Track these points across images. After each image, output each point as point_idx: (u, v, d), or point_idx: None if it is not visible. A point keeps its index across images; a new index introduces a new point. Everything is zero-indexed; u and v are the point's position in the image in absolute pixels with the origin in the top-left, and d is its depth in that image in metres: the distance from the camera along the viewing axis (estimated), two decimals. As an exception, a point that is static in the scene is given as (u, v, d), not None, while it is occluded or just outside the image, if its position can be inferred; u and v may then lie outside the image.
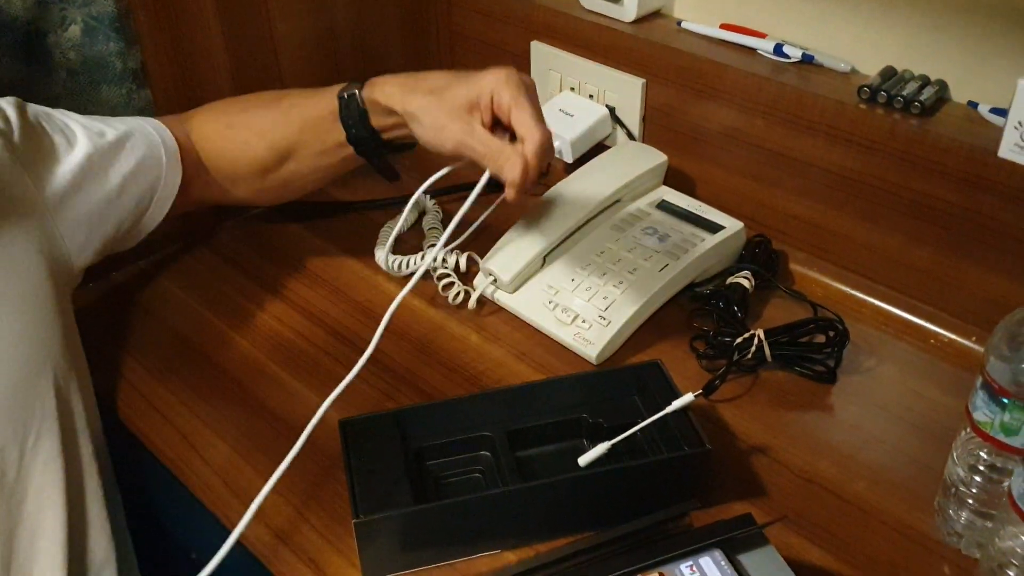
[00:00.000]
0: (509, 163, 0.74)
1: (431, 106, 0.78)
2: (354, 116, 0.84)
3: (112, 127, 0.83)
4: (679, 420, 0.71)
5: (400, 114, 0.81)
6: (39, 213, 0.75)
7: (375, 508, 0.65)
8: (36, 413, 0.72)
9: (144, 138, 0.85)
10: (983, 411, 0.62)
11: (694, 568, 0.57)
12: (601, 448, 0.68)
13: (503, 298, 0.92)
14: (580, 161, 1.02)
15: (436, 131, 0.78)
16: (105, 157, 0.81)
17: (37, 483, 0.72)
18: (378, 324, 0.77)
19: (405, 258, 0.97)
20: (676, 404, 0.70)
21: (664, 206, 0.96)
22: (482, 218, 0.97)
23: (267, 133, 0.88)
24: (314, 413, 0.80)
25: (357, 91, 0.84)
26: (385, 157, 0.89)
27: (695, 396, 0.70)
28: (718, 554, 0.57)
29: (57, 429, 0.74)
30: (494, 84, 0.76)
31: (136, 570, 0.84)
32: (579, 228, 0.93)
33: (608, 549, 0.62)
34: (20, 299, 0.72)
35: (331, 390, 0.73)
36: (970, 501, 0.66)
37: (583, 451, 0.69)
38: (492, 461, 0.73)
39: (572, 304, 0.87)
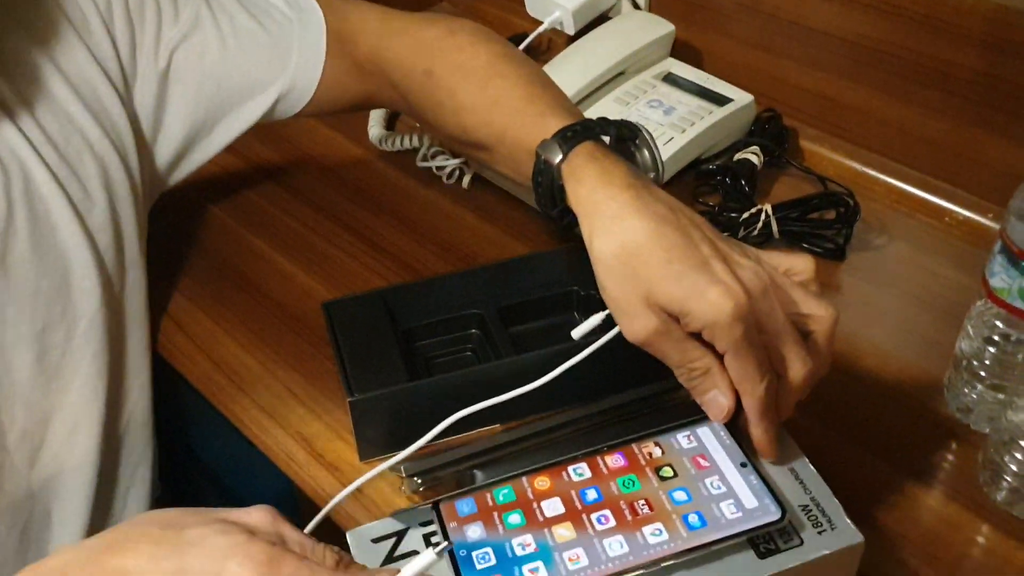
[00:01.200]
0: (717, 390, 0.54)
1: (620, 274, 0.54)
2: (547, 187, 0.61)
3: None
4: None
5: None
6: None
7: (369, 387, 0.63)
8: (86, 296, 0.66)
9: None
10: (1001, 276, 0.59)
11: (691, 438, 0.55)
12: (595, 319, 0.64)
13: (498, 175, 0.88)
14: (582, 33, 0.96)
15: (620, 308, 0.55)
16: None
17: (84, 373, 0.67)
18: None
19: (398, 135, 0.93)
20: None
21: (671, 79, 0.92)
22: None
23: (464, 116, 0.69)
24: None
25: (557, 162, 0.59)
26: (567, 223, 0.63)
27: None
28: (717, 424, 0.55)
29: (104, 320, 0.67)
30: (714, 319, 0.51)
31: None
32: (581, 101, 0.89)
33: (602, 419, 0.60)
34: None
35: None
36: (982, 374, 0.64)
37: (576, 325, 0.66)
38: (483, 339, 0.70)
39: (571, 179, 0.84)
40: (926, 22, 0.80)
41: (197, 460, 0.96)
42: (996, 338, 0.63)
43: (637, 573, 0.47)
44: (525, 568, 0.48)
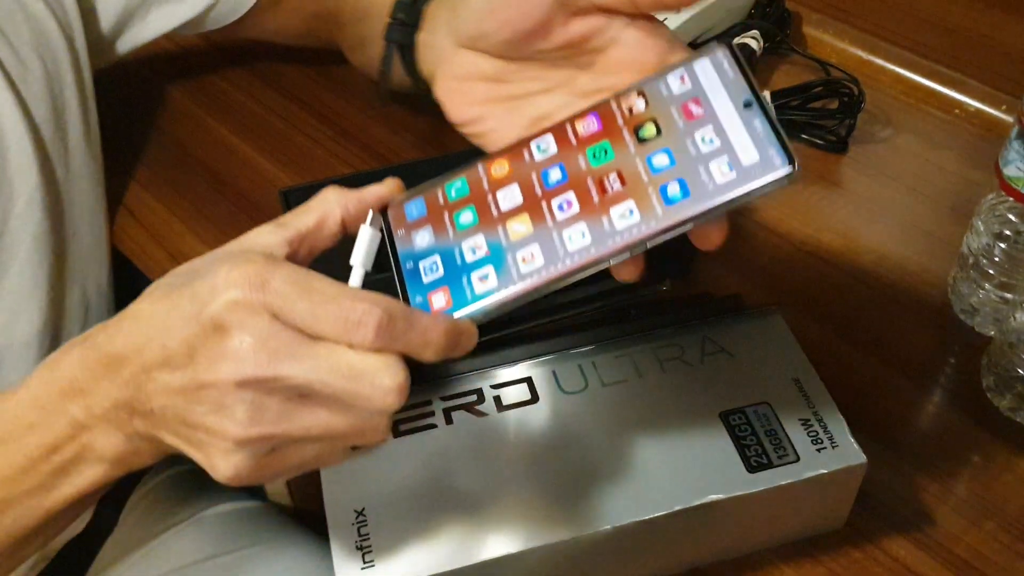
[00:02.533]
0: None
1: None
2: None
3: None
4: None
5: None
6: None
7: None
8: (22, 173, 0.61)
9: None
10: (1017, 165, 0.54)
11: (686, 79, 0.41)
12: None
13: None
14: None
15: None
16: None
17: (22, 259, 0.62)
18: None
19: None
20: None
21: (664, -44, 0.85)
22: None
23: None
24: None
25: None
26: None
27: None
28: (723, 52, 0.42)
29: (45, 202, 0.63)
30: None
31: None
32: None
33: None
34: None
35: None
36: (990, 272, 0.59)
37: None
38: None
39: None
40: None
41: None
42: (1007, 233, 0.58)
43: (601, 266, 0.40)
44: (474, 276, 0.41)
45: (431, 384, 0.51)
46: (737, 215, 0.70)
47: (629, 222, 0.40)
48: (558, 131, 0.43)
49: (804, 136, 0.75)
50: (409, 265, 0.42)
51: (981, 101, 0.77)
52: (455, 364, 0.52)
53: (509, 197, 0.42)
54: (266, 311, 0.36)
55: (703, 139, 0.40)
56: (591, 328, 0.55)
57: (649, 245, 0.40)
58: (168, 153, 0.77)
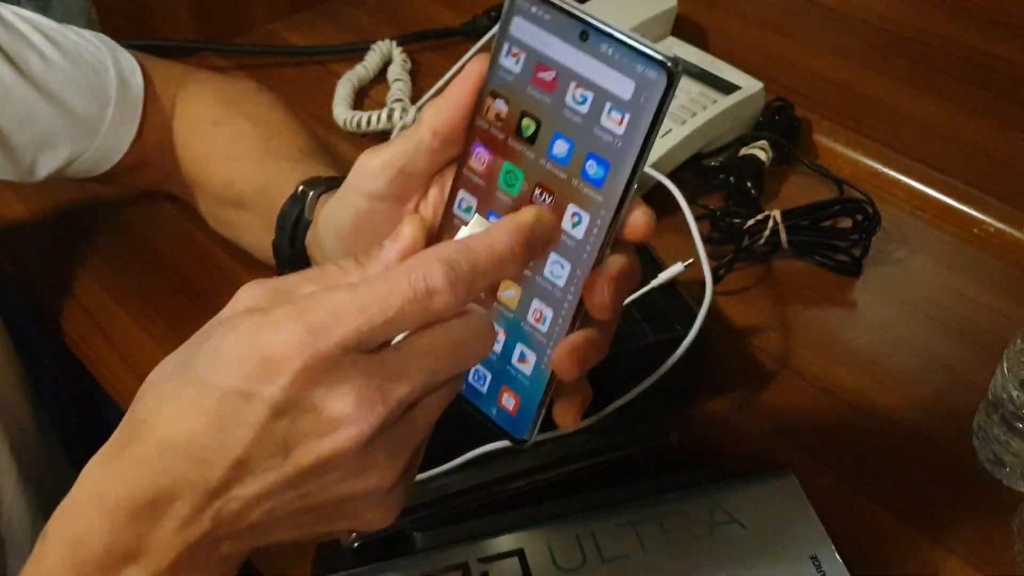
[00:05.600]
0: None
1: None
2: (290, 216, 0.59)
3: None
4: (669, 298, 0.59)
5: None
6: None
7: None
8: None
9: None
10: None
11: (516, 52, 0.38)
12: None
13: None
14: (574, 5, 0.87)
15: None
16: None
17: None
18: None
19: (366, 114, 0.83)
20: (663, 276, 0.58)
21: (670, 61, 0.82)
22: (456, 68, 0.83)
23: (237, 166, 0.65)
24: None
25: (312, 192, 0.58)
26: None
27: (684, 266, 0.59)
28: (520, 3, 0.37)
29: None
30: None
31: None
32: (568, 84, 0.79)
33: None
34: None
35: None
36: (1021, 426, 0.55)
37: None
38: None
39: (556, 174, 0.74)
40: (961, 6, 0.72)
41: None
42: (1041, 385, 0.54)
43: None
44: (515, 362, 0.39)
45: (411, 558, 0.47)
46: (743, 343, 0.66)
47: (584, 225, 0.37)
48: (464, 183, 0.40)
49: (816, 257, 0.72)
50: None
51: (1002, 220, 0.74)
52: (438, 531, 0.48)
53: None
54: (338, 352, 0.33)
55: (576, 100, 0.36)
56: (590, 488, 0.50)
57: (616, 234, 0.37)
58: (142, 260, 0.73)
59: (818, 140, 0.82)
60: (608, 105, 0.35)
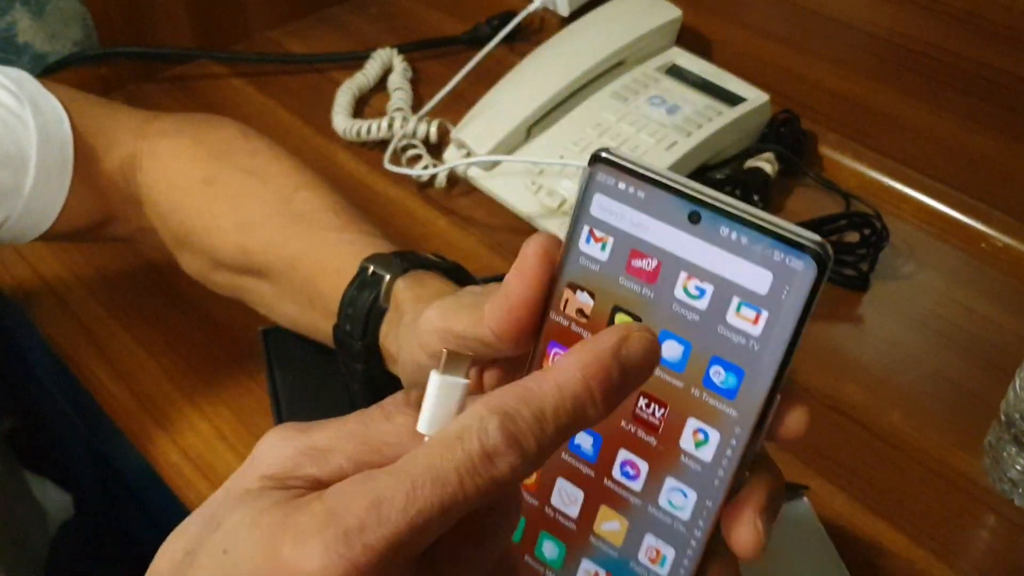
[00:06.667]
0: None
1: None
2: (361, 309, 0.50)
3: None
4: None
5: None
6: None
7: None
8: None
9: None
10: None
11: (595, 234, 0.31)
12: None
13: (478, 176, 0.78)
14: (577, 15, 0.86)
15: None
16: None
17: None
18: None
19: (366, 123, 0.82)
20: None
21: (675, 72, 0.82)
22: (458, 77, 0.82)
23: (250, 234, 0.56)
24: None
25: (389, 278, 0.49)
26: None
27: None
28: (599, 176, 0.31)
29: None
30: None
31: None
32: (572, 95, 0.79)
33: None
34: None
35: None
36: (1034, 447, 0.55)
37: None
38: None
39: (559, 187, 0.74)
40: (968, 20, 0.72)
41: (114, 471, 0.86)
42: (1054, 406, 0.53)
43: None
44: None
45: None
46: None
47: (713, 445, 0.30)
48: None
49: (823, 271, 0.71)
50: None
51: (1010, 235, 0.73)
52: None
53: (566, 499, 0.33)
54: (380, 563, 0.24)
55: (689, 294, 0.30)
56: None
57: (752, 456, 0.30)
58: (138, 277, 0.72)
59: (824, 153, 0.82)
60: (736, 300, 0.29)
